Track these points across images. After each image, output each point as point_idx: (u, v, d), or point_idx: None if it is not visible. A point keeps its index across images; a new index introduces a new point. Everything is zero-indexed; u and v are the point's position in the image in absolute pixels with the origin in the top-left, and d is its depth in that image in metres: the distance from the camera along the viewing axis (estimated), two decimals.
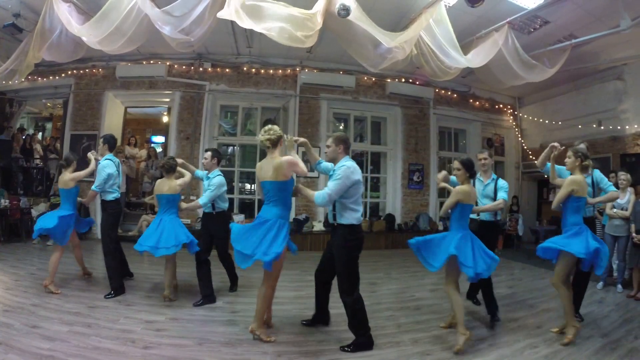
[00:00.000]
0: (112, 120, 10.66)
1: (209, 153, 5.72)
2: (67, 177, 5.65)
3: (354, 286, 4.12)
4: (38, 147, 12.07)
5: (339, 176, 4.00)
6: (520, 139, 12.57)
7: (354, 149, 11.37)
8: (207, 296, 5.40)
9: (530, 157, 11.92)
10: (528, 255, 9.40)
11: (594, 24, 7.27)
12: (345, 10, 5.79)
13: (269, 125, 4.26)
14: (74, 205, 5.78)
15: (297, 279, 7.00)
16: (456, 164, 4.56)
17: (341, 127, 11.68)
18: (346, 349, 4.07)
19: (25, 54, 7.27)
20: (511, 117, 12.67)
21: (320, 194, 3.97)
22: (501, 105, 12.52)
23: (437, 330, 4.65)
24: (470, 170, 4.47)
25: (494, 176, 5.43)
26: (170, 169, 5.51)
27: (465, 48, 7.12)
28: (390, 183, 11.50)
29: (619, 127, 9.23)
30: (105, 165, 5.72)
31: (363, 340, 4.12)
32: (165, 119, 12.19)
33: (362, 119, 11.54)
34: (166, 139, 11.02)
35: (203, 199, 5.40)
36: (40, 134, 13.14)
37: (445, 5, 6.56)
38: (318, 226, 10.23)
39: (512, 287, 6.84)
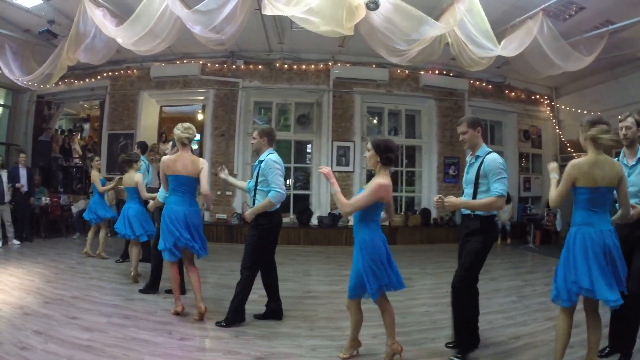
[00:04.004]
0: (148, 119, 10.89)
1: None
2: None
3: (252, 266, 4.39)
4: (77, 147, 12.45)
5: (272, 168, 4.37)
6: (557, 130, 12.16)
7: None
8: (151, 285, 5.49)
9: (569, 149, 11.52)
10: None
11: (632, 9, 6.89)
12: (374, 2, 5.75)
13: (188, 124, 4.58)
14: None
15: (332, 273, 7.06)
16: (368, 144, 3.57)
17: (375, 122, 11.60)
18: (222, 323, 4.32)
19: (60, 58, 7.49)
20: (548, 108, 12.28)
21: (274, 195, 4.26)
22: (537, 96, 12.14)
23: None
24: (382, 153, 3.42)
25: (481, 152, 3.72)
26: (129, 163, 6.29)
27: (499, 37, 6.90)
28: (425, 177, 11.33)
29: None
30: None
31: (233, 316, 4.35)
32: (200, 116, 12.35)
33: (396, 112, 11.39)
34: (201, 137, 11.16)
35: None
36: (79, 134, 13.54)
37: None
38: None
39: (549, 284, 6.59)
